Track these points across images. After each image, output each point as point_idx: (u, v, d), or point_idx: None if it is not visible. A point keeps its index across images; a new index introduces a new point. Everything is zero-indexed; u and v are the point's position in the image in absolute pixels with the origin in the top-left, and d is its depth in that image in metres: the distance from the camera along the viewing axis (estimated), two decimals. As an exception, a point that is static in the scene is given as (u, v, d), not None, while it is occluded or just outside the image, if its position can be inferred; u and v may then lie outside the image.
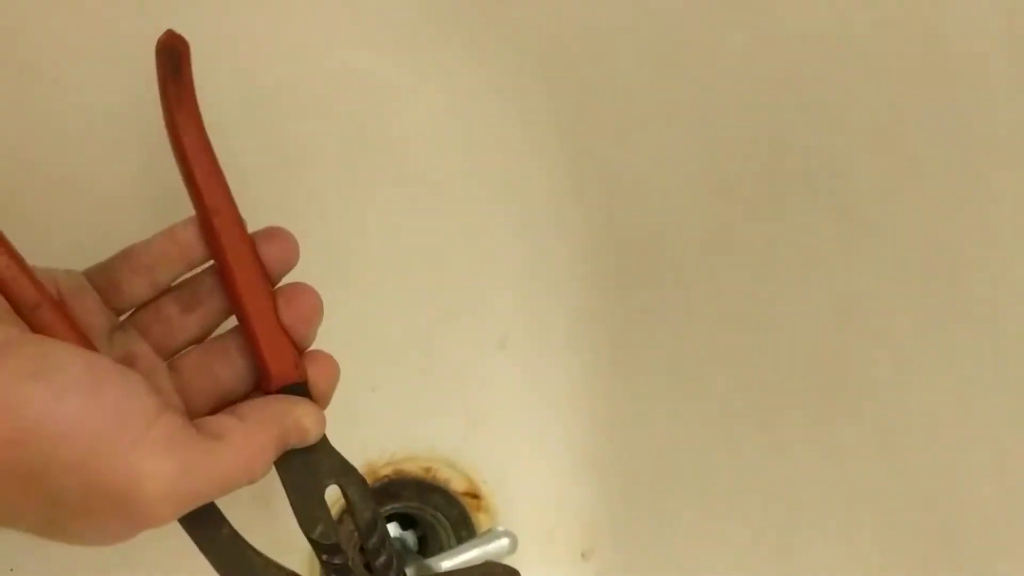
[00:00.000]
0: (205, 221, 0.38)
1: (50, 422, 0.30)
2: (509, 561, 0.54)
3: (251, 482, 0.34)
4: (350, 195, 0.51)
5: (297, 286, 0.39)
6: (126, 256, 0.38)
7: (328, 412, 0.52)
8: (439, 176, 0.53)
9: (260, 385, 0.39)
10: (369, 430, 0.53)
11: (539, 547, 0.55)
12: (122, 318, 0.39)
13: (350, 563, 0.38)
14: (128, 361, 0.37)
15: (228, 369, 0.39)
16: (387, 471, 0.54)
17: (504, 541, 0.48)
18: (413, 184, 0.52)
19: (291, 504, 0.38)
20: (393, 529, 0.55)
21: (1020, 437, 0.44)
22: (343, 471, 0.39)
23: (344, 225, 0.52)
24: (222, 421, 0.35)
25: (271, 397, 0.37)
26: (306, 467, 0.38)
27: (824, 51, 0.45)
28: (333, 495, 0.38)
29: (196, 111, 0.38)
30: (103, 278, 0.38)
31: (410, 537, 0.56)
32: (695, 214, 0.51)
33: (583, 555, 0.56)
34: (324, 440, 0.39)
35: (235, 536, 0.36)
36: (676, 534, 0.56)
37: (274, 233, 0.39)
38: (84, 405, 0.30)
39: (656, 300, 0.54)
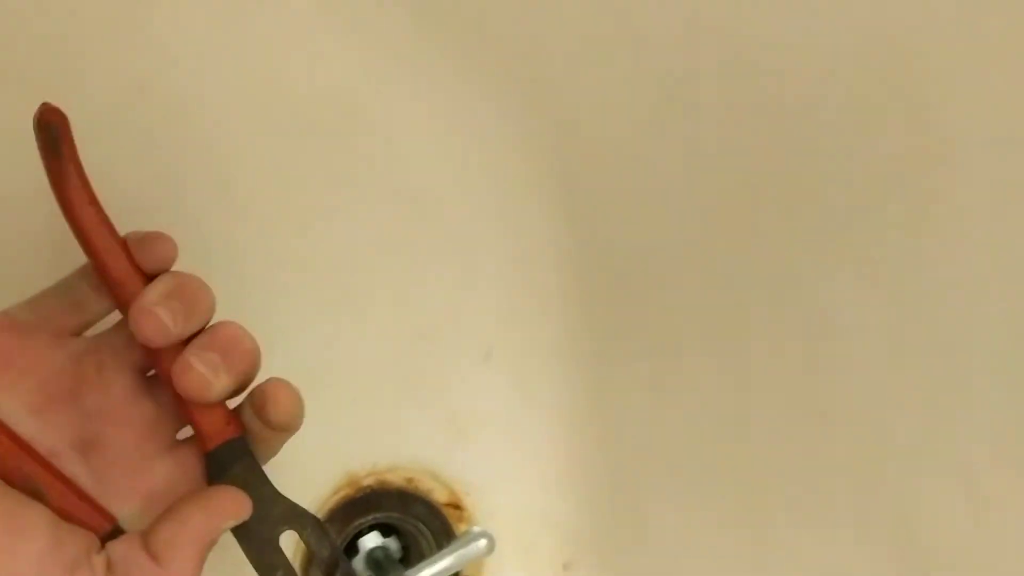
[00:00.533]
0: (110, 293, 0.38)
1: None
2: (488, 562, 0.55)
3: None
4: (336, 209, 0.52)
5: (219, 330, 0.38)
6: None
7: (309, 423, 0.52)
8: (425, 190, 0.53)
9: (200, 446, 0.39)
10: (351, 441, 0.54)
11: (521, 558, 0.56)
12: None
13: None
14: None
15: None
16: (369, 481, 0.54)
17: (481, 543, 0.48)
18: (399, 198, 0.53)
19: (247, 556, 0.38)
20: (375, 538, 0.55)
21: (986, 456, 0.45)
22: (294, 515, 0.39)
23: (330, 238, 0.52)
24: (137, 569, 0.35)
25: (189, 515, 0.37)
26: (257, 517, 0.38)
27: (800, 81, 0.45)
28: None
29: (80, 182, 0.37)
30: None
31: (393, 544, 0.56)
32: (677, 233, 0.52)
33: (564, 567, 0.56)
34: (271, 487, 0.39)
35: None
36: (658, 546, 0.56)
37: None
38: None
39: (639, 315, 0.54)
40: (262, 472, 0.39)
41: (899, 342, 0.47)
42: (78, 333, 0.39)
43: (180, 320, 0.36)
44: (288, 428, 0.39)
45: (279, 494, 0.39)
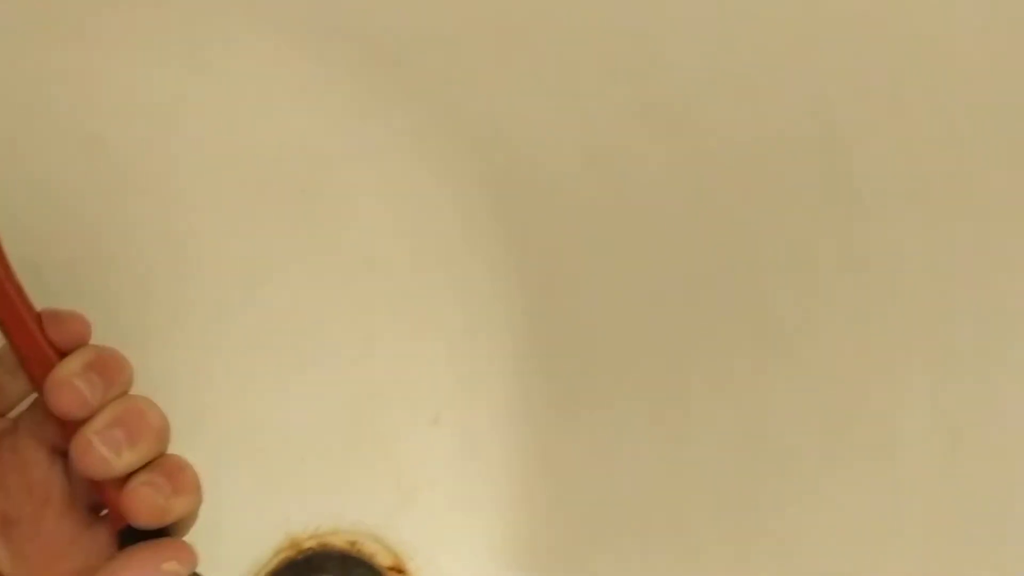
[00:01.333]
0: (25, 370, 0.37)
1: None
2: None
3: None
4: (286, 269, 0.52)
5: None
6: None
7: (252, 484, 0.52)
8: (376, 251, 0.53)
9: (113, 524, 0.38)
10: (294, 502, 0.53)
11: (460, 627, 0.55)
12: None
13: None
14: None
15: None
16: (311, 543, 0.54)
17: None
18: (350, 259, 0.53)
19: None
20: (318, 600, 0.55)
21: (911, 562, 0.45)
22: None
23: (279, 298, 0.52)
24: None
25: (128, 558, 0.36)
26: None
27: (741, 177, 0.46)
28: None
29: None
30: None
31: (335, 609, 0.56)
32: (624, 319, 0.52)
33: (505, 637, 0.56)
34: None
35: None
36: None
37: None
38: None
39: (586, 388, 0.54)
40: None
41: (830, 455, 0.48)
42: None
43: (98, 391, 0.36)
44: (161, 523, 0.37)
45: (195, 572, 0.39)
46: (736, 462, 0.50)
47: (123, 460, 0.36)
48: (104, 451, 0.35)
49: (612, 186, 0.50)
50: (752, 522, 0.50)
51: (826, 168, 0.46)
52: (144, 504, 0.36)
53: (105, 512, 0.39)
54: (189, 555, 0.37)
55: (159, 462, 0.37)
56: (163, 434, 0.37)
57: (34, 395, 0.38)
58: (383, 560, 0.55)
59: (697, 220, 0.48)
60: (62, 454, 0.38)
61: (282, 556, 0.53)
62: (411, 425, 0.55)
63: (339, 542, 0.54)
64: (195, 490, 0.37)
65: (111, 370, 0.36)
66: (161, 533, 0.37)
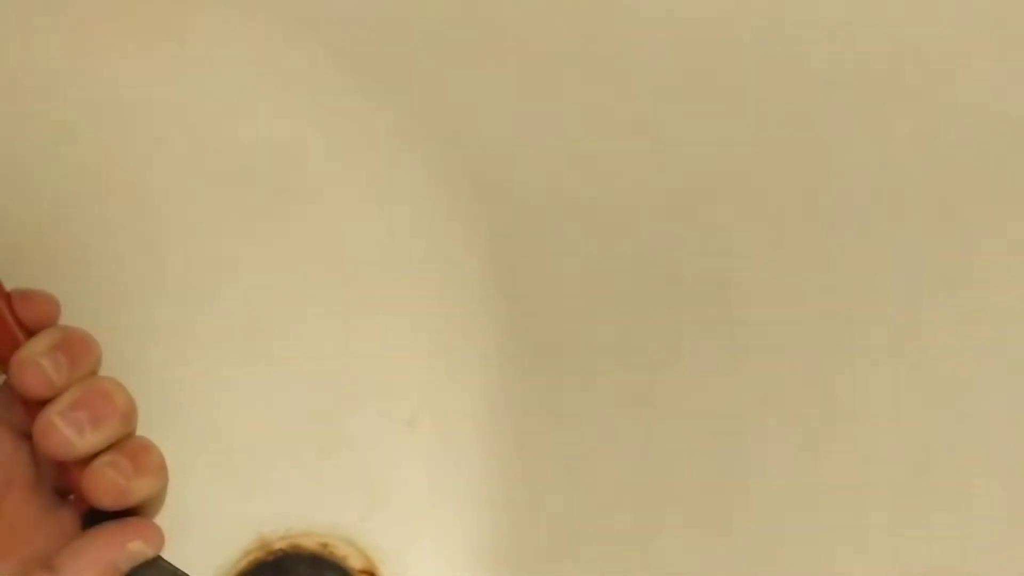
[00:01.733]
0: None
1: None
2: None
3: None
4: (260, 264, 0.51)
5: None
6: None
7: (221, 482, 0.52)
8: (353, 251, 0.53)
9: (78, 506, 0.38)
10: (264, 503, 0.53)
11: (428, 635, 0.55)
12: None
13: None
14: None
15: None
16: (281, 545, 0.53)
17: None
18: (327, 259, 0.52)
19: None
20: (287, 604, 0.54)
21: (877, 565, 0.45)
22: None
23: (255, 296, 0.52)
24: None
25: (93, 535, 0.36)
26: None
27: (714, 178, 0.46)
28: None
29: None
30: None
31: (306, 611, 0.55)
32: (599, 320, 0.52)
33: (475, 647, 0.55)
34: (158, 557, 0.38)
35: None
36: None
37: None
38: None
39: (564, 391, 0.54)
40: None
41: (797, 452, 0.48)
42: None
43: (64, 371, 0.35)
44: (122, 504, 0.37)
45: (159, 557, 0.38)
46: (708, 466, 0.50)
47: (86, 441, 0.35)
48: (67, 431, 0.35)
49: (594, 183, 0.49)
50: (724, 522, 0.50)
51: (804, 175, 0.45)
52: (105, 485, 0.36)
53: (72, 497, 0.38)
54: (155, 534, 0.37)
55: (123, 443, 0.36)
56: (129, 416, 0.36)
57: (1, 377, 0.38)
58: (355, 563, 0.54)
59: (674, 221, 0.48)
60: (28, 437, 0.38)
61: (251, 557, 0.53)
62: (386, 426, 0.55)
63: (311, 544, 0.54)
64: (159, 472, 0.37)
65: (78, 351, 0.36)
66: (127, 515, 0.37)
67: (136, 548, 0.36)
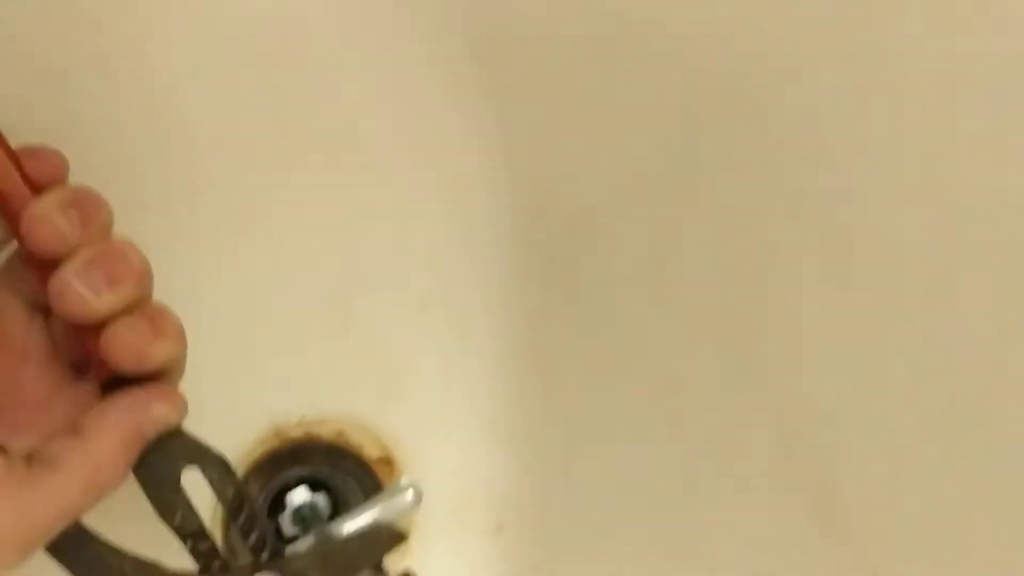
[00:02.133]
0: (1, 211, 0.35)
1: None
2: (419, 524, 0.53)
3: (108, 494, 0.33)
4: (273, 151, 0.49)
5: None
6: None
7: (235, 371, 0.50)
8: (364, 135, 0.51)
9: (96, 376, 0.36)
10: (278, 392, 0.52)
11: (452, 520, 0.54)
12: None
13: (219, 547, 0.37)
14: None
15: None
16: (297, 434, 0.52)
17: (408, 495, 0.46)
18: (337, 141, 0.50)
19: (145, 493, 0.36)
20: (303, 492, 0.53)
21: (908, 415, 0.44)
22: (197, 453, 0.37)
23: (263, 181, 0.50)
24: (57, 445, 0.33)
25: (117, 397, 0.35)
26: (158, 455, 0.36)
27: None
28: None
29: None
30: None
31: (321, 500, 0.54)
32: (614, 195, 0.50)
33: (497, 529, 0.55)
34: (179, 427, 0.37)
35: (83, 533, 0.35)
36: (589, 509, 0.55)
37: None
38: None
39: (576, 269, 0.52)
40: None
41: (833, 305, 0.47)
42: None
43: (76, 227, 0.34)
44: (142, 367, 0.35)
45: (183, 431, 0.37)
46: (729, 346, 0.49)
47: (103, 301, 0.34)
48: (83, 290, 0.33)
49: (604, 48, 0.47)
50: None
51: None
52: (124, 346, 0.34)
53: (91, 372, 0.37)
54: (179, 401, 0.36)
55: (140, 306, 0.35)
56: (145, 278, 0.35)
57: (12, 247, 0.36)
58: (370, 452, 0.54)
59: (691, 99, 0.46)
60: (42, 309, 0.36)
61: (266, 447, 0.52)
62: (397, 312, 0.53)
63: (326, 432, 0.53)
64: (178, 336, 0.36)
65: (90, 208, 0.34)
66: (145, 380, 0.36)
67: (161, 412, 0.35)
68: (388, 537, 0.39)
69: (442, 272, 0.54)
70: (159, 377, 0.36)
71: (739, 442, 0.51)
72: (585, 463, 0.55)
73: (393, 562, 0.41)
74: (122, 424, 0.34)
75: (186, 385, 0.40)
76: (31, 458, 0.33)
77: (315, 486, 0.53)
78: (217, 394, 0.48)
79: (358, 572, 0.38)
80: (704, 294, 0.49)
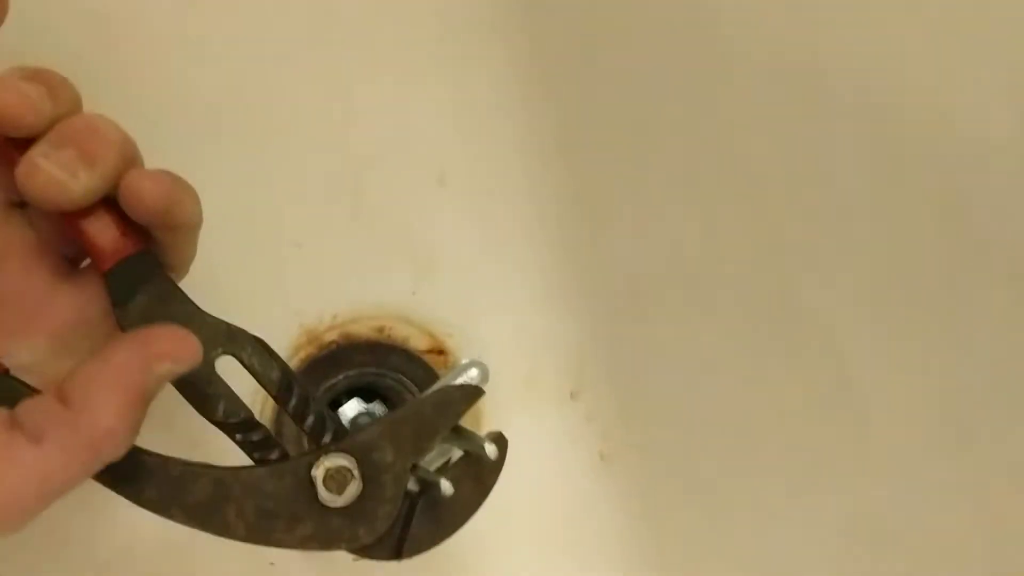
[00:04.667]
0: None
1: None
2: (487, 404, 0.48)
3: (110, 459, 0.28)
4: (267, 22, 0.44)
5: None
6: None
7: (252, 272, 0.45)
8: (371, 11, 0.45)
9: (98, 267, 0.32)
10: (301, 292, 0.47)
11: (522, 393, 0.49)
12: None
13: (272, 436, 0.32)
14: None
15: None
16: (332, 336, 0.47)
17: (472, 372, 0.41)
18: (340, 20, 0.45)
19: (180, 391, 0.32)
20: (356, 404, 0.48)
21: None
22: (228, 336, 0.32)
23: (256, 55, 0.45)
24: (42, 412, 0.28)
25: (110, 353, 0.29)
26: None
27: None
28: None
29: None
30: None
31: (378, 409, 0.49)
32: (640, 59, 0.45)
33: (571, 395, 0.49)
34: (192, 305, 0.32)
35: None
36: (665, 363, 0.50)
37: None
38: None
39: (604, 127, 0.47)
40: (178, 289, 0.32)
41: None
42: None
43: (45, 97, 0.29)
44: (173, 223, 0.31)
45: (204, 313, 0.32)
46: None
47: (80, 182, 0.29)
48: (55, 171, 0.29)
49: None
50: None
51: None
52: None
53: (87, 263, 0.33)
54: (189, 344, 0.30)
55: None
56: (125, 148, 0.30)
57: None
58: (418, 344, 0.48)
59: None
60: (20, 205, 0.32)
61: (302, 354, 0.47)
62: (416, 187, 0.48)
63: (364, 330, 0.48)
64: (174, 200, 0.31)
65: (56, 83, 0.30)
66: (155, 271, 0.31)
67: (165, 370, 0.29)
68: (463, 394, 0.34)
69: (457, 139, 0.48)
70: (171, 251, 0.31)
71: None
72: (654, 312, 0.49)
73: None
74: (118, 388, 0.28)
75: (202, 298, 0.35)
76: (13, 421, 0.28)
77: (366, 395, 0.48)
78: (236, 302, 0.43)
79: (436, 437, 0.33)
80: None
